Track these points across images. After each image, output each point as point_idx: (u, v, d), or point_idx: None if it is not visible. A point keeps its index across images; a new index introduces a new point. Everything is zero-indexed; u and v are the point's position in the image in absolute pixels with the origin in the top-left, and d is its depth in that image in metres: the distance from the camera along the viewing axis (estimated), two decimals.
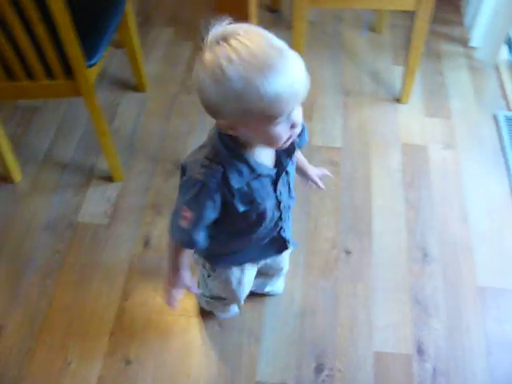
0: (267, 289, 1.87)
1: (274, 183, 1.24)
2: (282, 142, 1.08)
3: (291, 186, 1.33)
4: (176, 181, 2.24)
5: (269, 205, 1.26)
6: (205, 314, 1.90)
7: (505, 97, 2.66)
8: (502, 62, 2.82)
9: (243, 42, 0.95)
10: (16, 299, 1.95)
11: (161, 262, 2.02)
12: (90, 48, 1.91)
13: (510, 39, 2.87)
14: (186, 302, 1.92)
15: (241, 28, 0.98)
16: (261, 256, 1.53)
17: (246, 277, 1.55)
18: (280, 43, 0.98)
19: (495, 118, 2.56)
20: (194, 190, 1.16)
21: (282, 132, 1.05)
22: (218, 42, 0.97)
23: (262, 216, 1.27)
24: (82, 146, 2.42)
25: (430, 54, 2.88)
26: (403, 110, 2.60)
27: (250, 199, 1.20)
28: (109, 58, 2.76)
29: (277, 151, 1.21)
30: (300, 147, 1.36)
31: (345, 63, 2.84)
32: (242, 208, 1.20)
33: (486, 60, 2.83)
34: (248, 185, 1.17)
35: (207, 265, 1.52)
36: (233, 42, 0.95)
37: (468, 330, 1.88)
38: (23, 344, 1.84)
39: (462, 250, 2.09)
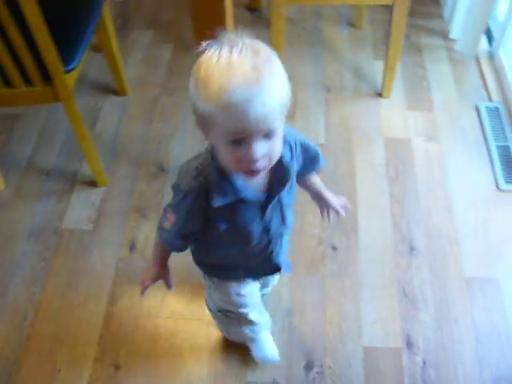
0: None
1: (263, 209, 1.20)
2: (236, 168, 1.02)
3: (286, 214, 1.29)
4: (159, 184, 2.27)
5: (255, 229, 1.24)
6: (195, 319, 1.90)
7: (486, 88, 2.67)
8: (482, 53, 2.82)
9: (228, 51, 0.91)
10: (2, 308, 1.93)
11: (147, 265, 2.01)
12: (68, 53, 1.90)
13: (489, 30, 2.88)
14: (173, 304, 1.92)
15: (248, 42, 0.94)
16: (253, 274, 1.49)
17: (246, 289, 1.50)
18: (268, 73, 0.92)
19: (477, 109, 2.57)
20: (178, 197, 1.18)
21: (233, 157, 0.99)
22: (219, 45, 0.94)
23: (246, 238, 1.26)
24: (64, 151, 2.40)
25: (410, 48, 2.88)
26: (385, 104, 2.60)
27: (233, 220, 1.19)
28: (88, 63, 2.74)
29: (270, 177, 1.16)
30: (309, 173, 1.37)
31: (325, 59, 2.84)
32: (223, 226, 1.20)
33: (466, 52, 2.84)
34: (231, 206, 1.14)
35: (206, 275, 1.50)
36: (224, 48, 0.92)
37: (456, 321, 1.89)
38: (11, 353, 1.82)
39: (448, 242, 2.09)
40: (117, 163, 2.36)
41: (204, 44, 0.94)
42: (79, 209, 2.20)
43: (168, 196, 2.20)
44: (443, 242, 2.09)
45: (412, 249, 2.07)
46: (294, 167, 1.22)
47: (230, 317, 1.61)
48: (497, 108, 2.55)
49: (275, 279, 1.78)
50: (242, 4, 3.14)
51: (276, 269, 1.47)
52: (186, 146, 2.41)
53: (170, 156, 2.38)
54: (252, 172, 1.02)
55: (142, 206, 2.20)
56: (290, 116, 2.52)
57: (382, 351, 1.82)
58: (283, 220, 1.29)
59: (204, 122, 0.98)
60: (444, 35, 2.96)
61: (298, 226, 2.11)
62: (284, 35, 2.38)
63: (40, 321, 1.90)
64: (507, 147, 2.38)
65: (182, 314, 1.90)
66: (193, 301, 1.92)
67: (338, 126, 2.50)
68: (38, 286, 1.98)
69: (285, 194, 1.22)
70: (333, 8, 3.13)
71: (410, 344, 1.83)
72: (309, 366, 1.78)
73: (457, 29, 2.87)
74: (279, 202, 1.22)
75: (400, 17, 2.29)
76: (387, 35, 2.41)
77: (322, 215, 1.54)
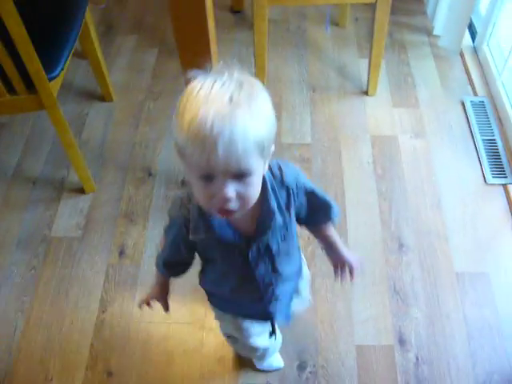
0: None
1: (244, 254, 1.14)
2: (208, 206, 0.96)
3: (277, 262, 1.20)
4: (147, 188, 2.26)
5: (237, 272, 1.20)
6: (187, 323, 1.89)
7: (471, 82, 2.67)
8: (466, 48, 2.83)
9: (211, 82, 0.87)
10: None
11: (137, 270, 2.01)
12: (50, 61, 1.89)
13: (472, 25, 2.89)
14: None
15: (235, 74, 0.89)
16: (244, 314, 1.41)
17: (244, 324, 1.42)
18: (246, 108, 0.86)
19: (462, 104, 2.58)
20: (167, 223, 1.18)
21: (204, 193, 0.93)
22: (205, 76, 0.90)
23: (227, 279, 1.24)
24: (51, 159, 2.39)
25: (394, 45, 2.89)
26: (371, 102, 2.61)
27: (212, 257, 1.19)
28: (74, 70, 2.74)
29: (257, 221, 1.09)
30: (319, 223, 1.31)
31: (310, 59, 2.84)
32: (204, 261, 1.21)
33: (450, 47, 2.85)
34: (211, 243, 1.11)
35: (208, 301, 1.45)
36: (208, 79, 0.88)
37: (448, 316, 1.89)
38: (2, 363, 1.82)
39: (438, 238, 2.09)
40: (104, 169, 2.35)
41: (191, 74, 0.90)
42: (67, 216, 2.19)
43: (156, 200, 2.23)
44: (432, 237, 2.10)
45: (401, 245, 2.07)
46: (291, 213, 1.14)
47: (236, 341, 1.57)
48: (482, 102, 2.55)
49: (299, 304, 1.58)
50: (226, 6, 3.14)
51: (267, 317, 1.40)
52: (172, 151, 2.39)
53: (157, 160, 2.37)
54: (225, 212, 0.95)
55: (131, 212, 2.19)
56: (277, 116, 2.51)
57: (375, 349, 1.82)
58: (274, 269, 1.21)
59: (179, 154, 0.92)
60: (427, 32, 2.97)
61: None
62: (268, 36, 2.39)
63: (31, 330, 1.89)
64: (493, 141, 2.39)
65: (173, 318, 1.89)
66: (184, 305, 1.92)
67: (324, 125, 2.50)
68: (27, 295, 1.98)
69: (274, 241, 1.14)
70: (316, 8, 3.13)
71: (402, 341, 1.83)
72: (302, 366, 1.78)
73: (440, 25, 2.88)
74: (267, 248, 1.15)
75: (383, 15, 2.29)
76: (371, 33, 2.41)
77: (334, 272, 1.41)
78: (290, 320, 1.45)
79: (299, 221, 1.24)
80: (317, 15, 3.09)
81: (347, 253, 1.37)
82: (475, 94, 2.62)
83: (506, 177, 2.26)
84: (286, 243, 1.19)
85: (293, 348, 1.82)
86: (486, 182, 2.26)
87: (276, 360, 1.76)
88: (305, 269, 1.48)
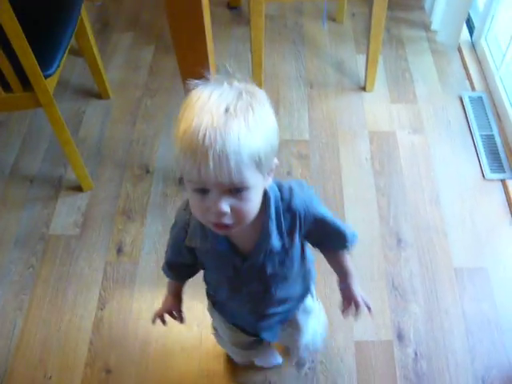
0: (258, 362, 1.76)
1: (237, 269, 1.12)
2: (202, 219, 0.93)
3: (272, 285, 1.18)
4: (145, 185, 2.26)
5: (230, 285, 1.19)
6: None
7: (469, 77, 2.67)
8: (464, 43, 2.83)
9: (210, 91, 0.85)
10: None
11: (135, 267, 2.01)
12: (46, 58, 1.89)
13: (470, 20, 2.88)
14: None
15: (236, 84, 0.88)
16: (235, 322, 1.39)
17: (225, 325, 1.42)
18: (242, 119, 0.83)
19: (460, 99, 2.57)
20: (172, 224, 1.17)
21: (199, 206, 0.91)
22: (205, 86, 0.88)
23: (220, 287, 1.24)
24: (48, 157, 2.39)
25: (392, 41, 2.89)
26: (368, 97, 2.60)
27: (208, 264, 1.18)
28: (70, 68, 2.73)
29: (256, 241, 1.06)
30: (330, 249, 1.26)
31: (307, 55, 2.84)
32: (201, 265, 1.19)
33: (448, 42, 2.84)
34: (207, 250, 1.09)
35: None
36: (207, 88, 0.86)
37: (446, 312, 1.89)
38: (1, 361, 1.81)
39: (436, 233, 2.09)
40: (102, 167, 2.35)
41: (192, 84, 0.88)
42: (65, 214, 2.19)
43: (154, 197, 2.22)
44: (431, 233, 2.09)
45: (400, 241, 2.06)
46: (295, 238, 1.09)
47: (221, 338, 1.57)
48: (480, 97, 2.55)
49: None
50: (222, 2, 3.14)
51: (254, 331, 1.39)
52: (170, 147, 2.39)
53: (155, 157, 2.37)
54: (220, 226, 0.92)
55: (128, 209, 2.19)
56: (274, 113, 2.51)
57: (373, 345, 1.82)
58: (266, 290, 1.19)
59: (177, 165, 0.88)
60: (425, 27, 2.97)
61: None
62: (264, 32, 2.38)
63: (29, 328, 1.89)
64: (492, 136, 2.39)
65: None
66: (183, 303, 1.91)
67: (322, 122, 2.50)
68: (26, 294, 1.97)
69: (270, 264, 1.11)
70: (313, 4, 3.13)
71: (400, 336, 1.83)
72: (301, 363, 1.77)
73: (438, 20, 2.88)
74: (262, 269, 1.12)
75: (380, 10, 2.29)
76: (368, 29, 2.41)
77: (343, 306, 1.33)
78: (276, 339, 1.44)
79: (312, 243, 1.20)
80: (314, 11, 3.09)
81: (357, 291, 1.30)
82: (473, 89, 2.61)
83: (504, 172, 2.25)
84: (285, 268, 1.15)
85: None
86: (484, 177, 2.26)
87: (274, 357, 1.76)
88: (312, 304, 1.44)
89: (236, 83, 0.88)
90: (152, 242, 2.08)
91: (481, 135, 2.39)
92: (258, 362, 1.75)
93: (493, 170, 2.27)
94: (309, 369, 1.76)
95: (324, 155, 2.36)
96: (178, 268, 1.26)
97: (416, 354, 1.80)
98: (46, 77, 1.86)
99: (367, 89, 2.62)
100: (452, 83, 2.66)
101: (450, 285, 1.95)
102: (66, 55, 2.02)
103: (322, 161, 2.33)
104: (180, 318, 1.37)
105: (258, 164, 0.86)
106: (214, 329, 1.57)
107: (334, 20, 3.03)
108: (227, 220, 0.90)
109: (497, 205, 2.17)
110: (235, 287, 1.19)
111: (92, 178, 2.27)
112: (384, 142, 2.40)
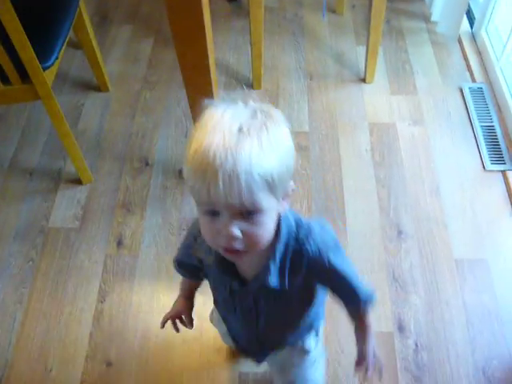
0: None
1: (232, 292, 1.09)
2: (212, 243, 0.90)
3: (262, 321, 1.14)
4: (144, 178, 2.25)
5: (224, 301, 1.17)
6: None
7: (469, 69, 2.66)
8: (464, 34, 2.82)
9: (223, 110, 0.83)
10: None
11: (135, 260, 2.01)
12: (44, 50, 1.88)
13: (470, 11, 2.87)
14: (163, 299, 1.91)
15: (252, 104, 0.85)
16: (231, 328, 1.37)
17: (218, 317, 1.40)
18: (255, 138, 0.79)
19: (461, 90, 2.56)
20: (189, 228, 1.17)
21: (209, 229, 0.87)
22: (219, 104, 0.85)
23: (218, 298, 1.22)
24: (47, 150, 2.38)
25: (392, 32, 2.88)
26: (368, 89, 2.60)
27: (208, 276, 1.17)
28: (69, 60, 2.72)
29: (259, 270, 1.00)
30: (346, 304, 1.19)
31: (307, 47, 2.83)
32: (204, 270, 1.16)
33: (448, 34, 2.83)
34: (208, 264, 1.07)
35: None
36: (221, 107, 0.83)
37: (447, 303, 1.89)
38: (1, 354, 1.81)
39: (437, 224, 2.09)
40: (101, 160, 2.34)
41: (206, 103, 0.85)
42: (65, 207, 2.18)
43: (154, 189, 2.22)
44: (431, 224, 2.09)
45: (400, 232, 2.06)
46: (296, 282, 1.03)
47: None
48: (480, 88, 2.54)
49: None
50: None
51: (243, 347, 1.38)
52: (169, 139, 2.40)
53: (154, 150, 2.36)
54: (230, 251, 0.88)
55: (128, 202, 2.19)
56: (274, 104, 2.50)
57: (374, 336, 1.81)
58: (258, 319, 1.15)
59: (187, 187, 0.87)
60: (425, 18, 2.96)
61: None
62: (264, 24, 2.37)
63: (30, 321, 1.89)
64: (492, 127, 2.38)
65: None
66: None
67: (321, 113, 2.49)
68: (26, 287, 1.97)
69: (263, 295, 1.07)
70: None
71: (401, 328, 1.83)
72: None
73: (438, 11, 2.86)
74: (255, 302, 1.09)
75: (380, 1, 2.28)
76: (368, 20, 2.40)
77: (355, 364, 1.26)
78: (262, 362, 1.40)
79: (326, 288, 1.14)
80: (313, 2, 3.07)
81: (369, 351, 1.23)
82: (473, 80, 2.61)
83: (504, 163, 2.25)
84: (279, 308, 1.11)
85: None
86: (484, 168, 2.25)
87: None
88: (313, 345, 1.35)
89: (251, 102, 0.85)
90: (152, 234, 2.08)
91: (481, 126, 2.39)
92: None
93: (493, 162, 2.26)
94: None
95: (324, 147, 2.35)
96: (187, 267, 1.23)
97: (416, 346, 1.79)
98: (45, 69, 1.85)
99: (367, 80, 2.61)
100: (452, 74, 2.65)
101: (450, 276, 1.95)
102: (64, 47, 2.01)
103: (322, 152, 2.33)
104: (189, 323, 1.34)
105: (272, 185, 0.81)
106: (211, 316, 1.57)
107: (333, 11, 3.01)
108: (238, 245, 0.86)
109: (497, 196, 2.17)
110: (229, 306, 1.16)
111: (91, 170, 2.26)
112: (384, 134, 2.39)
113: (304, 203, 2.15)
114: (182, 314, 1.34)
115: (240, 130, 0.79)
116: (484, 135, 2.35)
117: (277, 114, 0.86)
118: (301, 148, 2.33)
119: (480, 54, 2.70)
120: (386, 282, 1.94)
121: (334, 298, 1.16)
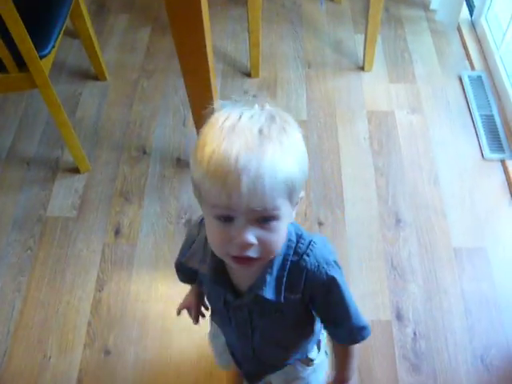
0: None
1: (226, 304, 1.05)
2: (220, 251, 0.85)
3: (256, 337, 1.11)
4: (142, 167, 2.24)
5: (219, 312, 1.13)
6: None
7: (468, 57, 2.65)
8: (464, 22, 2.80)
9: (238, 113, 0.79)
10: None
11: (133, 249, 2.01)
12: (41, 38, 1.87)
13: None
14: (161, 288, 1.92)
15: (267, 108, 0.82)
16: (227, 338, 1.31)
17: (215, 331, 1.37)
18: (277, 142, 0.77)
19: (460, 78, 2.56)
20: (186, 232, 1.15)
21: (219, 235, 0.82)
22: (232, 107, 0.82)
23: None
24: (45, 139, 2.37)
25: (391, 20, 2.86)
26: (367, 77, 2.59)
27: (202, 285, 1.15)
28: (66, 49, 2.71)
29: (254, 283, 0.95)
30: (336, 339, 1.15)
31: (305, 36, 2.81)
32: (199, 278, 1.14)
33: (447, 22, 2.81)
34: (202, 273, 1.03)
35: None
36: (236, 110, 0.80)
37: (445, 291, 1.89)
38: (0, 344, 1.81)
39: (435, 213, 2.09)
40: (99, 148, 2.34)
41: (216, 104, 0.83)
42: (62, 196, 2.18)
43: (152, 178, 2.22)
44: (430, 213, 2.09)
45: (399, 221, 2.06)
46: (294, 299, 0.98)
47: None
48: (480, 77, 2.53)
49: None
50: None
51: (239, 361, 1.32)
52: (167, 128, 2.39)
53: (152, 138, 2.36)
54: (242, 260, 0.83)
55: (126, 191, 2.18)
56: (272, 93, 2.51)
57: (372, 324, 1.81)
58: (251, 337, 1.11)
59: (195, 191, 0.84)
60: (424, 6, 2.94)
61: None
62: (262, 13, 2.36)
63: (28, 310, 1.89)
64: (491, 116, 2.37)
65: (170, 296, 1.88)
66: (180, 283, 1.91)
67: (320, 102, 2.48)
68: (24, 276, 1.97)
69: (257, 313, 1.03)
70: None
71: (399, 316, 1.83)
72: None
73: None
74: (250, 315, 1.04)
75: None
76: (366, 8, 2.39)
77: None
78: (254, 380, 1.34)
79: (315, 310, 1.07)
80: None
81: (350, 376, 1.22)
82: (473, 68, 2.60)
83: (503, 152, 2.24)
84: (274, 325, 1.07)
85: None
86: (483, 157, 2.25)
87: None
88: (315, 355, 1.29)
89: (268, 106, 0.82)
90: (150, 223, 2.08)
91: (480, 115, 2.38)
92: None
93: (492, 150, 2.26)
94: None
95: (322, 135, 2.34)
96: (186, 271, 1.19)
97: (415, 334, 1.79)
98: (41, 57, 1.84)
99: (366, 69, 2.60)
100: (451, 63, 2.65)
101: (449, 265, 1.95)
102: (61, 36, 2.01)
103: (320, 140, 2.32)
104: (195, 318, 1.33)
105: (291, 191, 0.79)
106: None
107: (332, 0, 3.00)
108: (252, 253, 0.82)
109: (496, 185, 2.17)
110: (224, 318, 1.12)
111: (89, 159, 2.25)
112: (382, 122, 2.39)
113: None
114: (190, 308, 1.34)
115: (260, 132, 0.77)
116: (483, 124, 2.35)
117: (292, 120, 0.84)
118: None
119: (479, 42, 2.69)
120: (384, 270, 1.94)
121: (327, 332, 1.15)
